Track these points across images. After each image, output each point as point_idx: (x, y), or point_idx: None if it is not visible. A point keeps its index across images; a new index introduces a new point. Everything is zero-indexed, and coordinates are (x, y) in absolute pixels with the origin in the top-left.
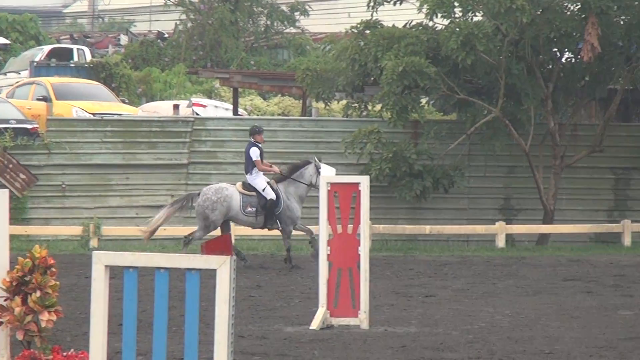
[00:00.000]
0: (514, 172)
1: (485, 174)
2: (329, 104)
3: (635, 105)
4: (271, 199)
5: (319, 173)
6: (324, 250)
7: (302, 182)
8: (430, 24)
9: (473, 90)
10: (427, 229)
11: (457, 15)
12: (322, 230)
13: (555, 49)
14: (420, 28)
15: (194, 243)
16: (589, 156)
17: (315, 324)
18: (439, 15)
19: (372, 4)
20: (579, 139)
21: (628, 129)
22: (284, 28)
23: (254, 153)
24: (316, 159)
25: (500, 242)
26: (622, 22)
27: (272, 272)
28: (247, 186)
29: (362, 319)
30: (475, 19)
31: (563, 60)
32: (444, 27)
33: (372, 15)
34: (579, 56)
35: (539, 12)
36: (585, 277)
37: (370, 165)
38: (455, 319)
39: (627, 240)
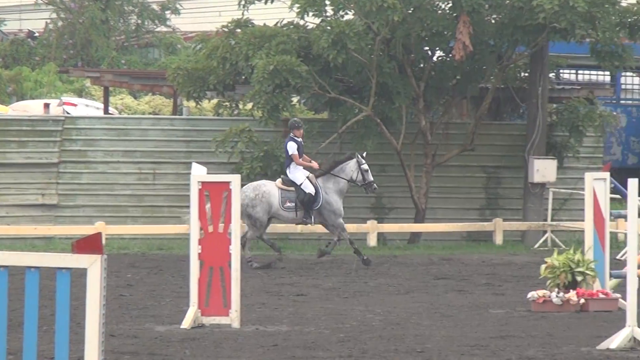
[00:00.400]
0: (386, 170)
1: None
2: (200, 102)
3: (507, 103)
4: (309, 193)
5: (360, 169)
6: (195, 249)
7: (342, 177)
8: (302, 22)
9: (344, 89)
10: (298, 227)
11: (328, 14)
12: (193, 229)
13: (427, 48)
14: (291, 27)
15: (249, 243)
16: (461, 155)
17: (186, 323)
18: (310, 13)
19: (242, 2)
20: (450, 137)
21: (499, 128)
22: (154, 27)
23: (291, 147)
24: (359, 155)
25: (372, 241)
26: (493, 21)
27: (143, 271)
28: (287, 182)
29: (233, 318)
30: (346, 17)
31: (435, 58)
32: (315, 25)
33: (243, 14)
34: (451, 55)
35: (410, 11)
36: (456, 275)
37: (241, 164)
38: (326, 317)
39: (498, 239)
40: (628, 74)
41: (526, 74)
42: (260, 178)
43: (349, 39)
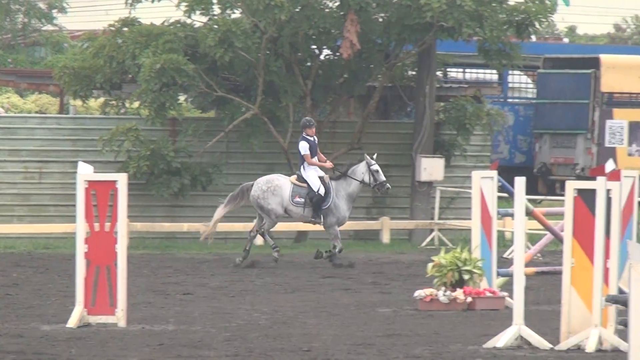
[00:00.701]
0: (273, 169)
1: (243, 171)
2: (86, 101)
3: (394, 102)
4: (319, 194)
5: (370, 170)
6: (81, 249)
7: (354, 179)
8: (189, 21)
9: (232, 88)
10: (185, 226)
11: (215, 13)
12: (79, 228)
13: (314, 46)
14: (178, 25)
15: (267, 234)
16: (348, 153)
17: (72, 322)
18: (198, 12)
19: (130, 1)
20: (337, 136)
21: (386, 126)
22: (41, 25)
23: (303, 147)
24: (368, 156)
25: (259, 240)
26: (380, 19)
27: (29, 270)
28: (301, 179)
29: (119, 317)
30: (233, 16)
31: (322, 57)
32: (202, 24)
33: (130, 12)
34: (338, 53)
35: (297, 9)
36: (343, 274)
37: (128, 163)
38: (213, 316)
39: (385, 238)
40: (515, 72)
41: (414, 73)
42: (146, 177)
43: (236, 37)
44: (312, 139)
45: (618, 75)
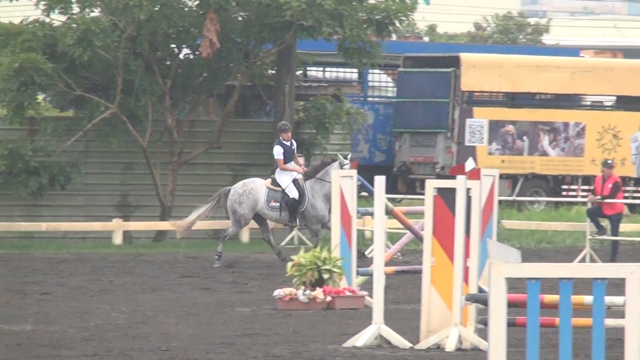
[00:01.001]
0: (132, 168)
1: (102, 170)
2: None
3: (254, 101)
4: (293, 198)
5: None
6: None
7: (327, 181)
8: (48, 20)
9: (91, 87)
10: (43, 225)
11: (74, 11)
12: None
13: (174, 45)
14: (37, 24)
15: (228, 239)
16: (207, 152)
17: None
18: (57, 11)
19: None
20: (196, 135)
21: (246, 125)
22: None
23: (277, 152)
24: (341, 157)
25: (117, 239)
26: (240, 18)
27: None
28: (275, 182)
29: None
30: (92, 14)
31: (181, 56)
32: (61, 23)
33: None
34: (198, 52)
35: (157, 8)
36: (202, 273)
37: None
38: (71, 316)
39: (245, 237)
40: (375, 71)
41: (273, 72)
42: (4, 177)
43: (94, 35)
44: (287, 143)
45: (478, 74)
